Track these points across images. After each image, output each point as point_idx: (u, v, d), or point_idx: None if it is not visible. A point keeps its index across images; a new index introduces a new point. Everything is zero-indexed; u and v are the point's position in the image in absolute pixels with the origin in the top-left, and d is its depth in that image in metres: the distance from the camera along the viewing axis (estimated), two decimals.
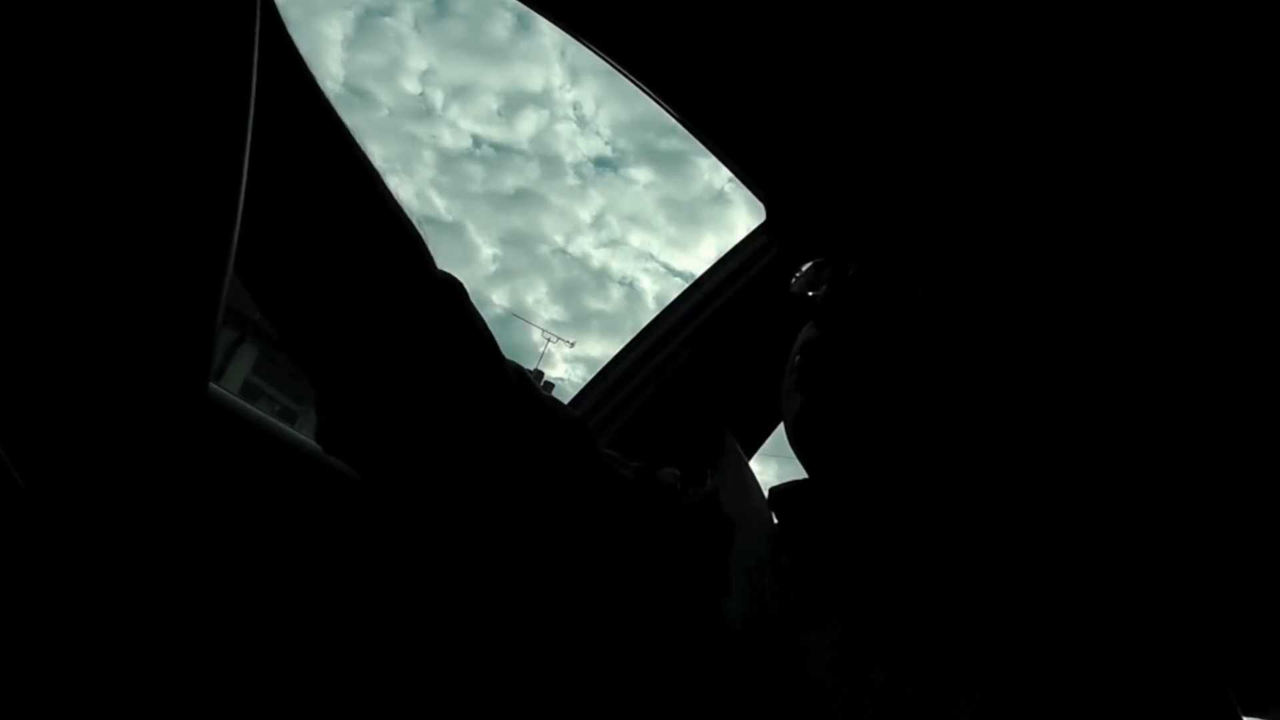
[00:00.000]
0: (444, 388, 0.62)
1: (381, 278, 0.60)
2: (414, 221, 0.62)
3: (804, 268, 0.72)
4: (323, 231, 0.58)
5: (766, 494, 0.74)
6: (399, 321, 0.60)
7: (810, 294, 0.70)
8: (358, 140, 0.59)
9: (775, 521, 0.72)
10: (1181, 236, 0.90)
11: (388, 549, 0.87)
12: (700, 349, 1.13)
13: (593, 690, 0.62)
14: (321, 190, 0.57)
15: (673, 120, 1.06)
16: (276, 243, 0.57)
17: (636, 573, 0.66)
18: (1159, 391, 0.92)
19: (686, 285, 1.20)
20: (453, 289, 0.64)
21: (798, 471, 0.72)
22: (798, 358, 0.68)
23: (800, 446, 0.68)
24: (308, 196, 0.57)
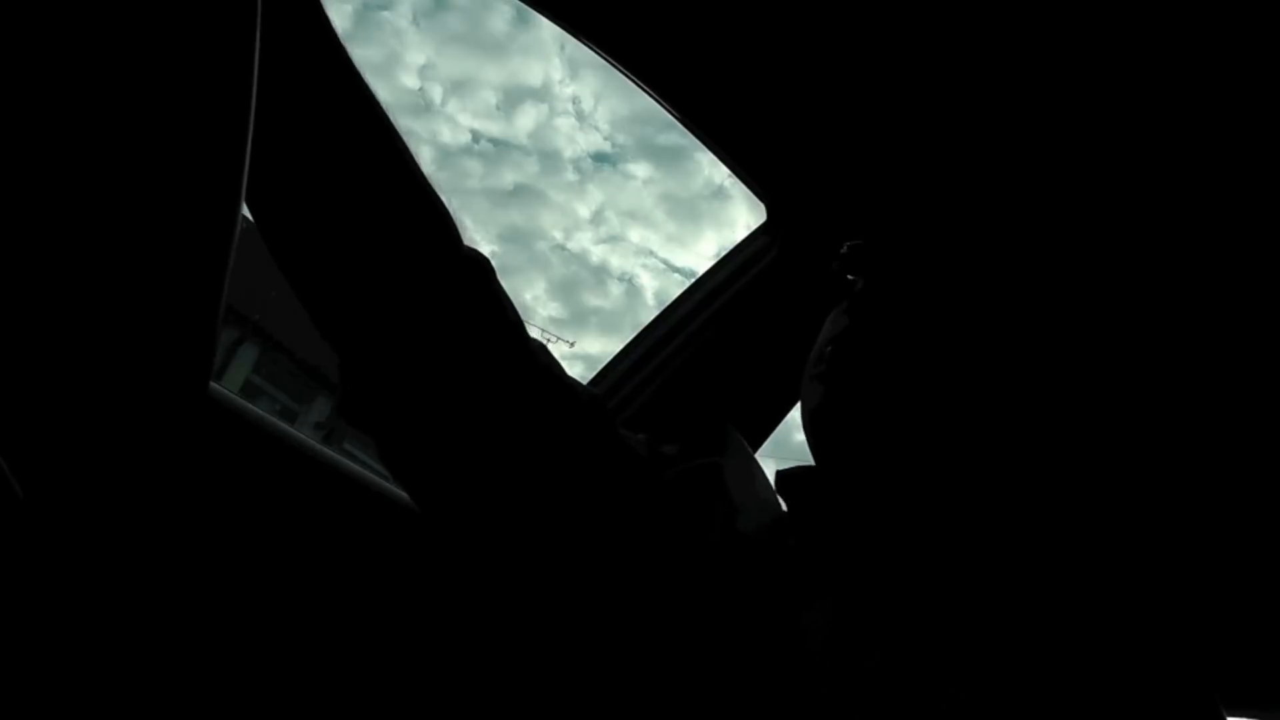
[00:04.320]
0: (468, 362, 0.63)
1: (409, 252, 0.60)
2: (443, 198, 0.62)
3: (848, 245, 0.71)
4: (352, 204, 0.58)
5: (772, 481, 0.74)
6: (425, 295, 0.61)
7: (849, 278, 0.70)
8: (389, 116, 0.59)
9: (781, 507, 0.72)
10: (1209, 233, 0.89)
11: (389, 549, 0.87)
12: (701, 349, 1.13)
13: (596, 661, 0.62)
14: (351, 164, 0.58)
15: (672, 116, 1.06)
16: (306, 215, 0.58)
17: (642, 542, 0.66)
18: (1166, 392, 0.91)
19: (686, 281, 1.20)
20: (479, 265, 0.64)
21: None
22: (829, 349, 0.67)
23: (816, 438, 0.67)
24: (338, 170, 0.57)
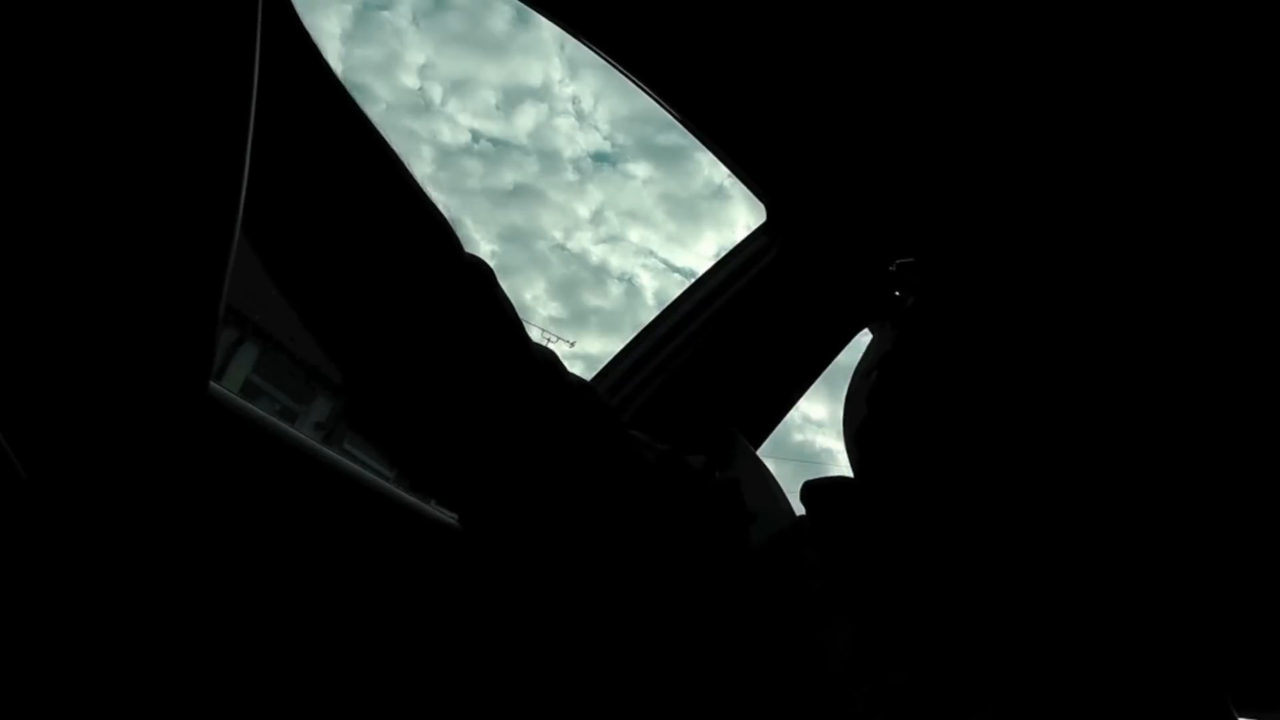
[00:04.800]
0: (471, 370, 0.63)
1: (410, 261, 0.60)
2: (441, 203, 0.62)
3: (898, 263, 0.71)
4: (349, 217, 0.58)
5: (783, 488, 0.74)
6: (427, 304, 0.61)
7: (898, 293, 0.69)
8: (378, 128, 0.59)
9: (797, 515, 0.72)
10: (1234, 236, 0.88)
11: (389, 549, 0.87)
12: (701, 349, 1.13)
13: (608, 674, 0.62)
14: (347, 176, 0.58)
15: (672, 116, 1.06)
16: (303, 230, 0.58)
17: (656, 554, 0.66)
18: (1193, 401, 0.90)
19: (686, 281, 1.20)
20: (481, 272, 0.64)
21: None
22: (879, 366, 0.66)
23: (863, 454, 0.67)
24: (333, 183, 0.57)
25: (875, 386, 0.65)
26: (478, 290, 0.64)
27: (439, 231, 0.62)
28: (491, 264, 0.66)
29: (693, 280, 1.19)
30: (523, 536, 0.68)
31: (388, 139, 0.60)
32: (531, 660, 0.72)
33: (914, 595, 0.61)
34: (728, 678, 0.58)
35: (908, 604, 0.60)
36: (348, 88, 0.58)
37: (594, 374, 1.16)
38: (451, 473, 0.66)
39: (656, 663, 0.61)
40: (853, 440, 0.67)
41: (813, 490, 0.70)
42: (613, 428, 0.70)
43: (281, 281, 0.60)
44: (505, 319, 0.65)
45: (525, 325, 0.67)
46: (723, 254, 1.20)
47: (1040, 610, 0.59)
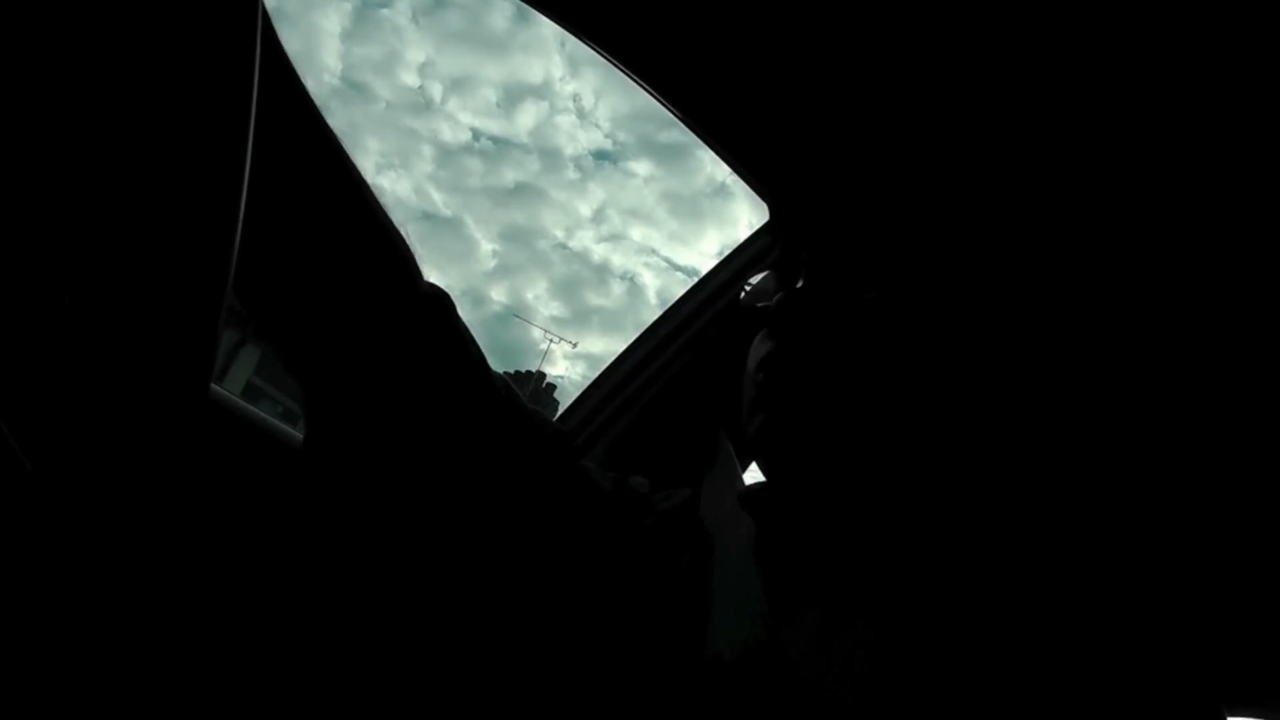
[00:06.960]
0: (429, 399, 0.63)
1: (369, 290, 0.60)
2: (402, 230, 0.62)
3: (754, 279, 0.73)
4: (311, 243, 0.58)
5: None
6: (386, 333, 0.61)
7: (760, 305, 0.70)
8: (346, 149, 0.59)
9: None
10: (1150, 239, 0.89)
11: (388, 549, 0.87)
12: (704, 349, 1.13)
13: (571, 693, 0.62)
14: (310, 201, 0.58)
15: (673, 115, 1.06)
16: (265, 253, 0.58)
17: (614, 578, 0.67)
18: (1120, 388, 0.91)
19: (689, 280, 1.21)
20: (439, 301, 0.64)
21: None
22: (759, 375, 0.67)
23: (766, 458, 0.67)
24: (296, 207, 0.57)
25: (759, 396, 0.66)
26: (435, 319, 0.63)
27: (398, 259, 0.62)
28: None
29: (696, 279, 1.20)
30: (481, 557, 0.68)
31: (354, 160, 0.59)
32: (524, 662, 0.72)
33: (861, 579, 0.61)
34: (694, 685, 0.58)
35: (853, 591, 0.60)
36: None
37: (597, 373, 1.16)
38: (408, 501, 0.66)
39: (625, 671, 0.61)
40: (754, 447, 0.67)
41: (749, 497, 0.70)
42: (567, 457, 0.70)
43: (245, 303, 0.59)
44: (464, 346, 0.65)
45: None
46: (725, 252, 1.20)
47: (997, 585, 0.59)
